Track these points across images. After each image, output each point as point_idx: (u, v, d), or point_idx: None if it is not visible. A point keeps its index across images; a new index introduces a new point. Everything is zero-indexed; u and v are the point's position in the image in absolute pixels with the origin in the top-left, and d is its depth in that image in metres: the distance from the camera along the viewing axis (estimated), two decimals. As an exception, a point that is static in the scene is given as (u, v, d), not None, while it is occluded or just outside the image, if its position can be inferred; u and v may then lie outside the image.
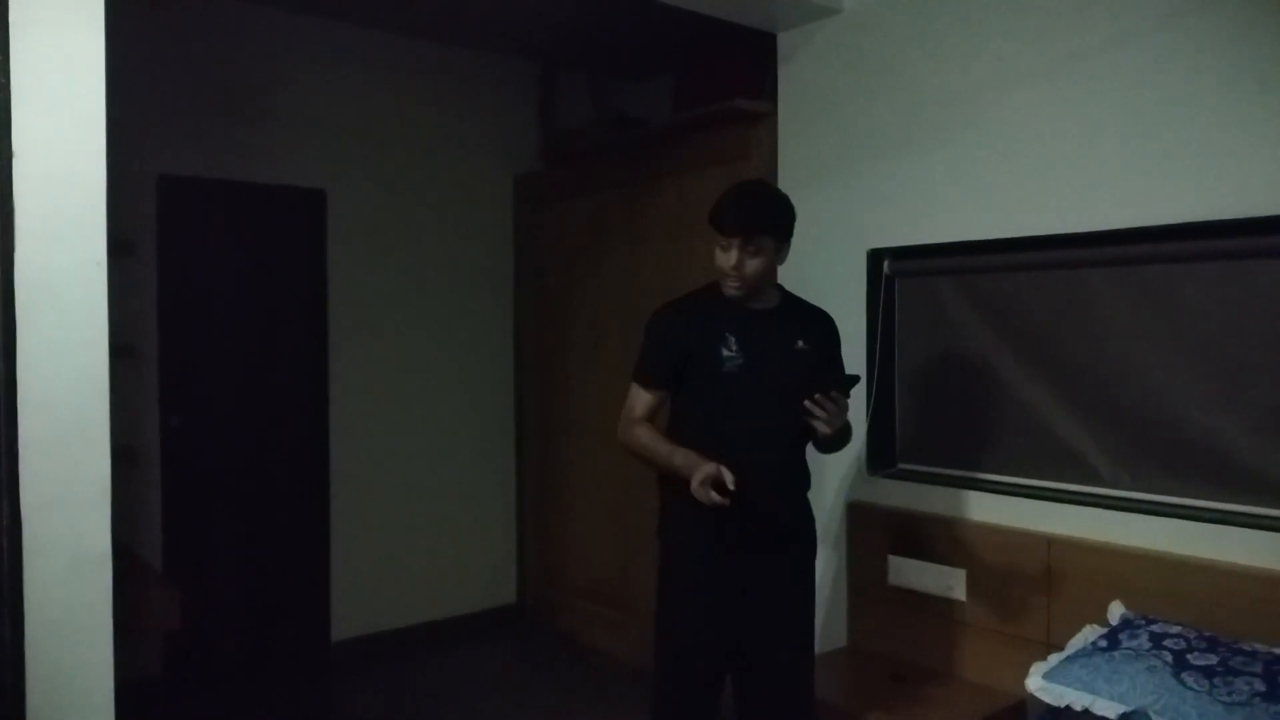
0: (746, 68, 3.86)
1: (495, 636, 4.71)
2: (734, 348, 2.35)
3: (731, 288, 2.35)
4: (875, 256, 3.26)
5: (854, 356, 3.10)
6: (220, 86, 3.99)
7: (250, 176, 4.11)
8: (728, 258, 2.31)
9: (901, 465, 3.28)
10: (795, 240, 2.42)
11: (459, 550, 4.74)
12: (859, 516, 3.29)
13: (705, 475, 2.18)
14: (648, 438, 2.39)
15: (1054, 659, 2.40)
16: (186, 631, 3.52)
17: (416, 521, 4.58)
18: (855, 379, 2.33)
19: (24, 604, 1.85)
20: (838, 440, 2.40)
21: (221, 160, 4.01)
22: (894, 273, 3.26)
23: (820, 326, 2.51)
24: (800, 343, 2.41)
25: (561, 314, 4.71)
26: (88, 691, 1.93)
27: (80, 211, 1.89)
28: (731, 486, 2.16)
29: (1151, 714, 2.09)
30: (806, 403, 2.21)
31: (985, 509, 2.97)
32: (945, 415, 3.19)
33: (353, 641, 4.37)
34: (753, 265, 2.31)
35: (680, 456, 2.29)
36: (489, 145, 4.79)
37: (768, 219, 2.32)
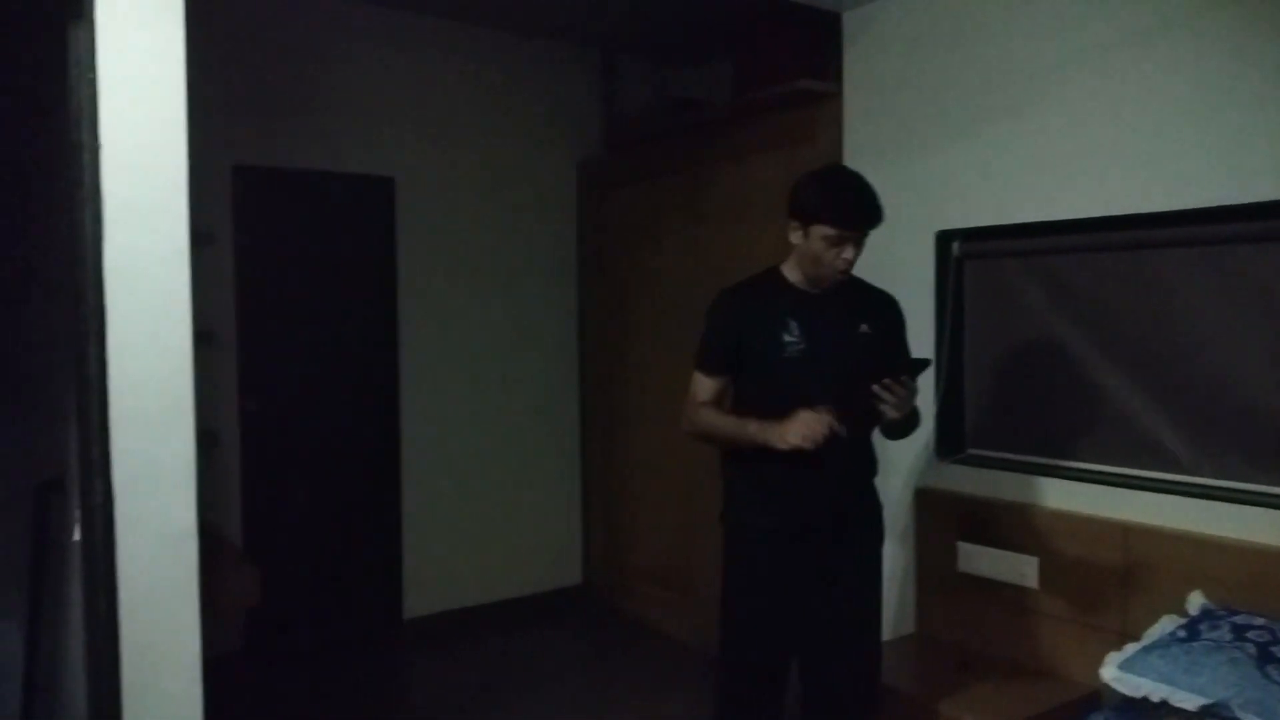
0: (809, 49, 3.81)
1: (560, 617, 4.77)
2: (796, 333, 2.33)
3: (831, 279, 2.32)
4: (944, 238, 3.20)
5: (921, 340, 3.06)
6: (292, 77, 4.08)
7: (322, 165, 4.20)
8: (843, 252, 2.26)
9: (971, 451, 3.23)
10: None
11: (525, 532, 4.81)
12: (928, 503, 3.25)
13: (802, 420, 2.16)
14: (715, 416, 2.40)
15: (1130, 649, 2.34)
16: (266, 608, 3.63)
17: (484, 503, 4.66)
18: (925, 362, 2.30)
19: (117, 577, 1.94)
20: (905, 426, 2.38)
21: (294, 150, 4.11)
22: (963, 254, 3.20)
23: (884, 309, 2.48)
24: (864, 326, 2.38)
25: (625, 298, 4.73)
26: (178, 661, 2.02)
27: (164, 200, 1.96)
28: (834, 426, 2.17)
29: (1234, 707, 2.03)
30: (875, 387, 2.19)
31: (1059, 496, 2.91)
32: (1017, 400, 3.13)
33: (424, 619, 4.47)
34: (857, 257, 2.30)
35: (754, 425, 2.28)
36: (552, 132, 4.82)
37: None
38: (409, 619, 4.46)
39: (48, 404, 2.89)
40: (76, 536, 2.11)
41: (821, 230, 2.26)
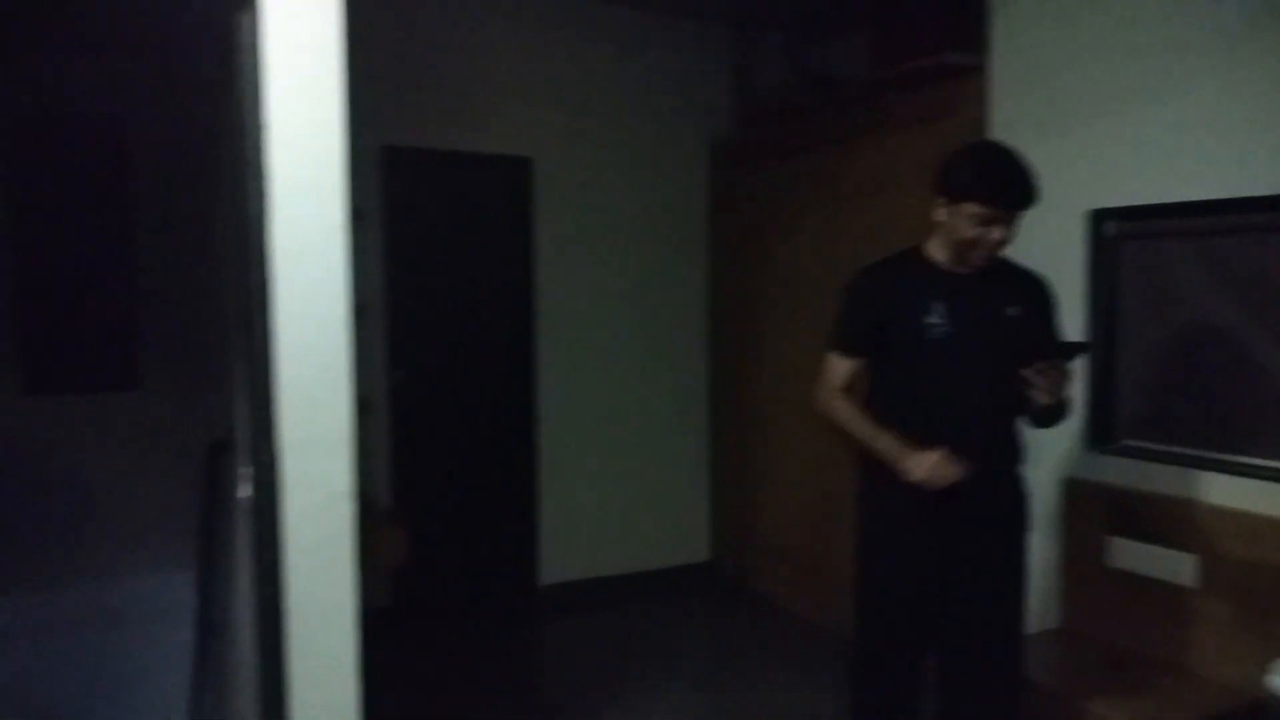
0: (952, 20, 3.66)
1: (688, 592, 4.82)
2: (940, 315, 2.25)
3: (978, 260, 2.24)
4: (1097, 217, 3.04)
5: (1071, 324, 2.91)
6: (436, 60, 4.23)
7: (464, 145, 4.34)
8: (992, 232, 2.18)
9: (1125, 441, 3.06)
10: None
11: (654, 507, 4.87)
12: (1077, 494, 3.11)
13: (934, 462, 2.15)
14: (849, 414, 2.34)
15: (1300, 656, 2.19)
16: (412, 567, 3.82)
17: (614, 477, 4.74)
18: (1081, 346, 2.19)
19: (282, 533, 2.08)
20: (1055, 414, 2.28)
21: (438, 130, 4.26)
22: (1119, 235, 3.03)
23: (1035, 291, 2.37)
24: (1012, 309, 2.29)
25: (757, 276, 4.69)
26: (336, 613, 2.14)
27: (323, 179, 2.06)
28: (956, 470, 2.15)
29: None
30: (1025, 372, 2.11)
31: (1222, 491, 2.73)
32: (1176, 389, 2.95)
33: (557, 586, 4.60)
34: (1008, 239, 2.22)
35: (884, 441, 2.24)
36: (686, 110, 4.82)
37: (1037, 192, 2.19)
38: (543, 585, 4.59)
39: (219, 371, 3.10)
40: (244, 493, 2.27)
41: (971, 208, 2.17)
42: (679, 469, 4.95)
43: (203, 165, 3.44)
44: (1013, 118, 3.30)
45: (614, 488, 4.74)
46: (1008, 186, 2.17)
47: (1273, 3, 2.54)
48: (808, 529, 4.34)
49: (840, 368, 2.37)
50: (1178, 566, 2.77)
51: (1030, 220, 2.31)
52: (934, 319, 2.26)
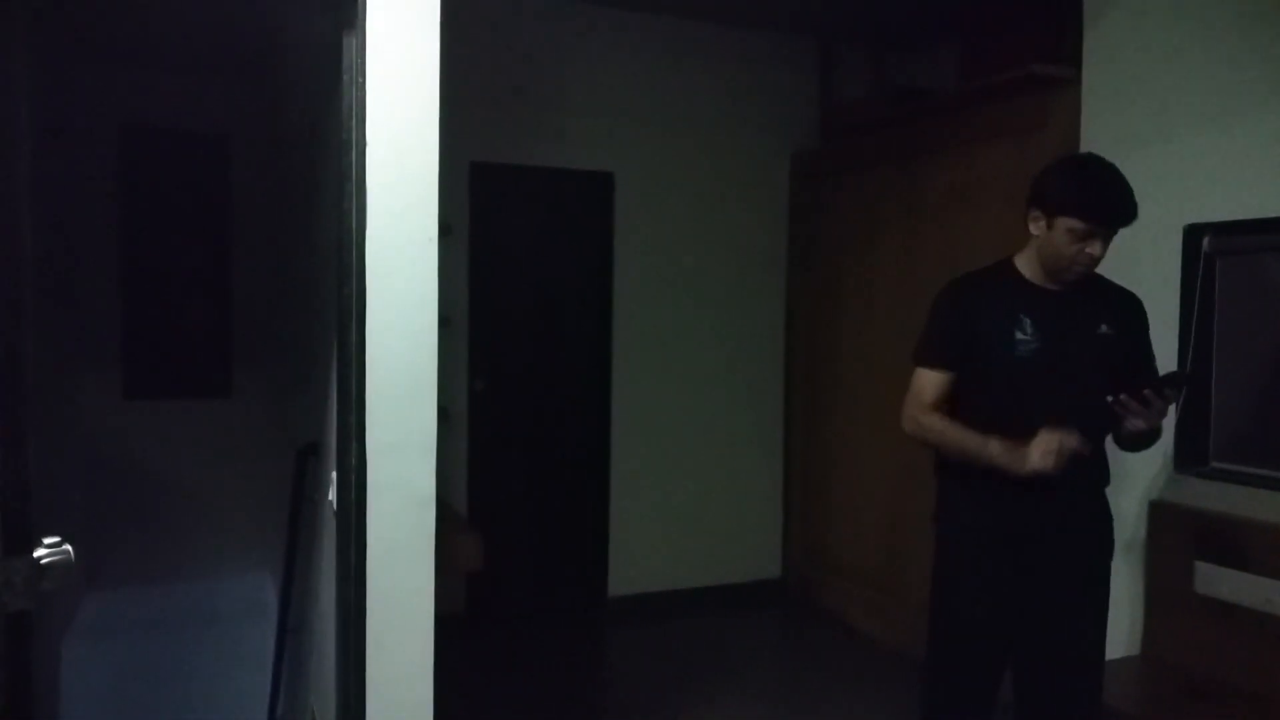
0: (1043, 31, 3.62)
1: (759, 608, 4.80)
2: (1029, 330, 2.22)
3: (1075, 276, 2.20)
4: (1193, 233, 2.96)
5: (1162, 343, 2.83)
6: (520, 76, 4.32)
7: (549, 162, 4.42)
8: (1088, 248, 2.14)
9: (1216, 464, 2.97)
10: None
11: (727, 522, 4.87)
12: (1163, 517, 3.02)
13: (1044, 439, 2.10)
14: (945, 426, 2.27)
15: (1402, 692, 2.10)
16: (487, 575, 3.88)
17: (687, 491, 4.76)
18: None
19: (366, 535, 2.15)
20: (1145, 440, 2.23)
21: (523, 147, 4.36)
22: (1215, 250, 2.95)
23: (1127, 309, 2.32)
24: (1104, 326, 2.24)
25: (835, 291, 4.68)
26: (414, 616, 2.20)
27: (418, 194, 2.13)
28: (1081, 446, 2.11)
29: None
30: (1125, 399, 2.06)
31: (1319, 518, 2.63)
32: (1271, 410, 2.85)
33: (627, 598, 4.63)
34: (1103, 255, 2.18)
35: (997, 445, 2.17)
36: (768, 123, 4.83)
37: (1137, 209, 2.15)
38: (613, 596, 4.63)
39: (309, 379, 3.21)
40: (330, 496, 2.35)
41: (1068, 223, 2.13)
42: (752, 484, 4.94)
43: (296, 182, 3.58)
44: (1105, 129, 3.24)
45: (686, 501, 4.76)
46: (1109, 202, 2.13)
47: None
48: (881, 548, 4.30)
49: (930, 382, 2.32)
50: (1267, 594, 2.68)
51: (1124, 235, 2.27)
52: (1023, 334, 2.22)
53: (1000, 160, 3.60)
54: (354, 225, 2.08)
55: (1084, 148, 3.26)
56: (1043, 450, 2.11)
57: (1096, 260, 2.16)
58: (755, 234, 4.88)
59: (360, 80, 2.07)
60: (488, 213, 4.37)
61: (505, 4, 4.27)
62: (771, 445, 4.98)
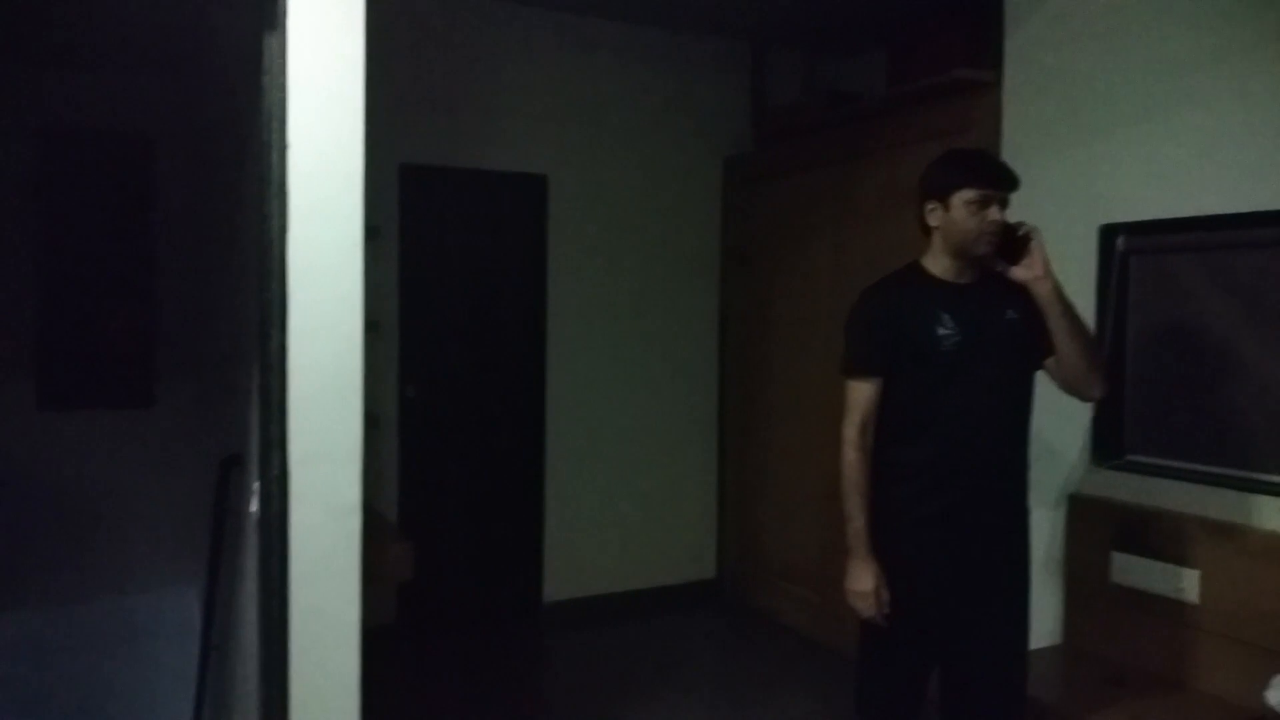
0: (967, 36, 3.71)
1: (694, 609, 4.82)
2: (949, 324, 2.28)
3: (987, 245, 2.27)
4: (1108, 233, 3.06)
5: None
6: (453, 79, 4.28)
7: (480, 164, 4.39)
8: (994, 213, 2.25)
9: (1130, 457, 3.08)
10: (1020, 216, 2.34)
11: (663, 524, 4.88)
12: (1081, 509, 3.12)
13: (867, 595, 2.28)
14: (853, 474, 2.34)
15: (1303, 673, 2.20)
16: (417, 584, 3.83)
17: (622, 494, 4.76)
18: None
19: (289, 546, 2.10)
20: (1073, 325, 2.28)
21: (454, 149, 4.31)
22: (1128, 249, 3.05)
23: (1025, 293, 2.39)
24: (1010, 312, 2.32)
25: (767, 294, 4.72)
26: (340, 628, 2.16)
27: (342, 197, 2.09)
28: (882, 611, 2.29)
29: None
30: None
31: (1225, 506, 2.74)
32: (1182, 404, 2.96)
33: (562, 604, 4.61)
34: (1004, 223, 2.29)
35: (855, 527, 2.32)
36: (701, 127, 4.87)
37: (1017, 174, 2.31)
38: (548, 602, 4.60)
39: (232, 386, 3.13)
40: (254, 508, 2.29)
41: (964, 196, 2.25)
42: (687, 486, 4.96)
43: (222, 183, 3.50)
44: (1024, 133, 3.34)
45: (621, 505, 4.76)
46: (993, 166, 2.31)
47: None
48: (812, 547, 4.35)
49: (863, 395, 2.34)
50: (1180, 582, 2.78)
51: (1045, 235, 2.33)
52: (945, 329, 2.28)
53: (927, 162, 3.67)
54: (275, 228, 2.04)
55: (1004, 150, 3.35)
56: (859, 597, 2.31)
57: (999, 225, 2.25)
58: (689, 237, 4.90)
59: (282, 81, 2.04)
60: (419, 215, 4.32)
61: (436, 5, 4.22)
62: (706, 446, 5.01)
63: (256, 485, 2.22)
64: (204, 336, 4.03)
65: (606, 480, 4.72)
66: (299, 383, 2.08)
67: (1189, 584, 2.76)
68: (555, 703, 3.86)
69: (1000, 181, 2.27)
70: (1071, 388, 2.38)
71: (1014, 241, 2.28)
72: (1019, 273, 2.27)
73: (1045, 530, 3.18)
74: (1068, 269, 3.05)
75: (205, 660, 3.52)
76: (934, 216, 2.32)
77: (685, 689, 3.85)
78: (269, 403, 2.10)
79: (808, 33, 4.73)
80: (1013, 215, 2.31)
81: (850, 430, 2.35)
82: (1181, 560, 2.79)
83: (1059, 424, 3.05)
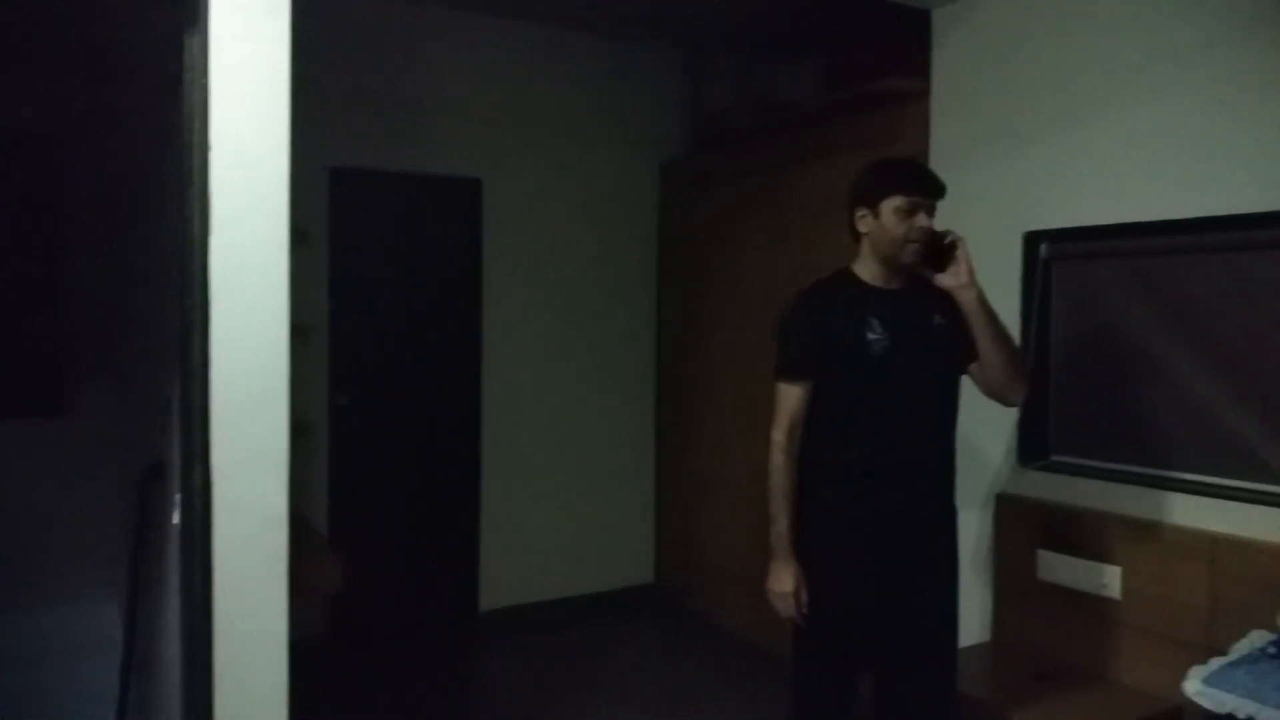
0: (897, 47, 3.77)
1: (632, 614, 4.82)
2: (878, 329, 2.32)
3: (915, 254, 2.31)
4: (1032, 240, 3.14)
5: (1005, 344, 3.00)
6: (385, 82, 4.22)
7: (413, 167, 4.33)
8: (922, 220, 2.29)
9: (1055, 458, 3.16)
10: (947, 222, 2.38)
11: (599, 530, 4.87)
12: (1008, 509, 3.19)
13: (786, 596, 2.35)
14: (778, 478, 2.38)
15: (1215, 663, 2.27)
16: (349, 595, 3.75)
17: (559, 500, 4.73)
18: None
19: (213, 558, 2.04)
20: (997, 335, 2.33)
21: (387, 152, 4.25)
22: (1051, 256, 3.14)
23: (950, 299, 2.44)
24: (937, 318, 2.37)
25: (703, 299, 4.75)
26: (266, 642, 2.10)
27: (266, 200, 2.04)
28: (800, 611, 2.35)
29: (1327, 727, 1.96)
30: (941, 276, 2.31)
31: (1145, 504, 2.83)
32: (1104, 406, 3.05)
33: (499, 612, 4.56)
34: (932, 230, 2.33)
35: (778, 530, 2.37)
36: (638, 133, 4.88)
37: (943, 181, 2.37)
38: (484, 611, 4.56)
39: (153, 393, 3.04)
40: (176, 519, 2.22)
41: (893, 203, 2.29)
42: (625, 491, 4.96)
43: (143, 185, 3.39)
44: (951, 141, 3.41)
45: (558, 511, 4.73)
46: (920, 173, 2.37)
47: (1202, 31, 2.67)
48: (748, 550, 4.36)
49: (793, 398, 2.37)
50: (1103, 578, 2.86)
51: (972, 242, 2.38)
52: (874, 334, 2.32)
53: (858, 170, 3.72)
54: (197, 231, 1.98)
55: (932, 158, 3.42)
56: (778, 598, 2.38)
57: (926, 232, 2.29)
58: (627, 242, 4.91)
59: (204, 81, 1.98)
60: (350, 219, 4.24)
61: (369, 6, 4.16)
62: (643, 451, 5.01)
63: (178, 496, 2.15)
64: (123, 342, 3.90)
65: (544, 486, 4.69)
66: (222, 390, 2.02)
67: (1111, 580, 2.84)
68: (491, 714, 3.81)
69: (928, 189, 2.31)
70: (993, 393, 2.43)
71: (941, 249, 2.33)
72: (945, 280, 2.31)
73: (974, 530, 3.25)
74: (994, 275, 3.12)
75: (127, 678, 3.40)
76: (864, 223, 2.36)
77: (623, 697, 3.84)
78: (190, 411, 2.04)
79: (743, 40, 4.77)
80: (941, 222, 2.36)
81: (778, 433, 2.37)
82: (1104, 557, 2.87)
83: (986, 426, 3.13)
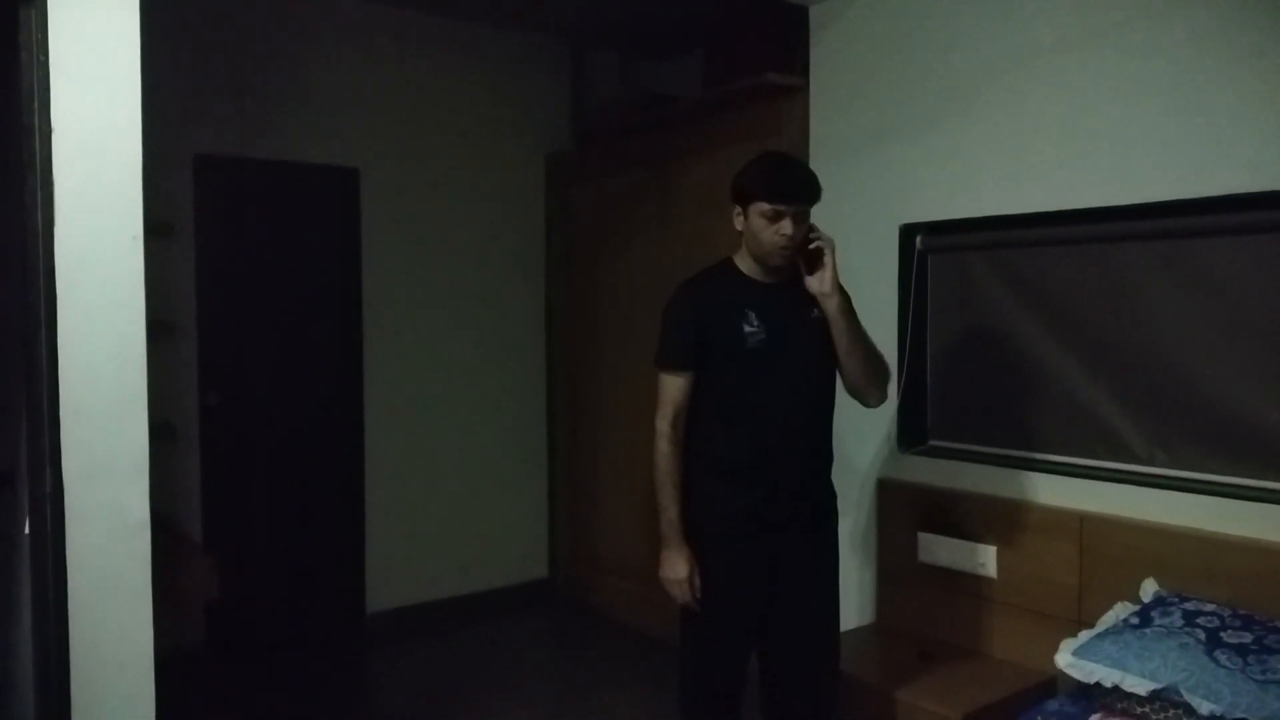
0: (777, 42, 3.82)
1: (527, 611, 4.76)
2: (755, 322, 2.34)
3: (782, 258, 2.33)
4: (908, 232, 3.23)
5: (884, 333, 3.08)
6: (256, 66, 4.03)
7: (286, 155, 4.15)
8: (785, 228, 2.28)
9: (933, 442, 3.26)
10: (826, 216, 2.41)
11: (491, 526, 4.79)
12: (889, 494, 3.28)
13: (681, 582, 2.36)
14: (665, 467, 2.38)
15: (1084, 635, 2.38)
16: (226, 602, 3.59)
17: (450, 497, 4.64)
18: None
19: (67, 569, 1.91)
20: (864, 350, 2.39)
21: (258, 139, 4.06)
22: (926, 248, 3.23)
23: None
24: (815, 312, 2.40)
25: (592, 292, 4.72)
26: (129, 654, 2.00)
27: (117, 187, 1.93)
28: (695, 596, 2.36)
29: (1183, 690, 2.07)
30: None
31: (1017, 486, 2.95)
32: (978, 392, 3.17)
33: (387, 613, 4.44)
34: (801, 235, 2.32)
35: (668, 518, 2.38)
36: (520, 124, 4.80)
37: (817, 187, 2.34)
38: (372, 613, 4.43)
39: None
40: (28, 530, 2.08)
41: (759, 208, 2.30)
42: (516, 486, 4.89)
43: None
44: (830, 135, 3.47)
45: (448, 508, 4.63)
46: (786, 183, 2.32)
47: (1063, 30, 2.78)
48: (640, 542, 4.38)
49: (674, 387, 2.39)
50: (980, 558, 2.97)
51: (851, 234, 2.43)
52: (750, 326, 2.34)
53: (739, 164, 3.76)
54: (39, 221, 1.84)
55: (811, 152, 3.48)
56: (673, 584, 2.39)
57: (790, 239, 2.31)
58: (513, 235, 4.83)
59: (42, 59, 1.85)
60: (218, 210, 4.04)
61: (232, -14, 3.97)
62: (535, 446, 4.96)
63: (28, 504, 2.01)
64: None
65: (432, 483, 4.58)
66: (73, 391, 1.90)
67: (987, 560, 2.95)
68: (382, 719, 3.70)
69: (793, 196, 2.30)
70: (853, 395, 2.50)
71: (809, 252, 2.36)
72: (811, 284, 2.36)
73: (856, 514, 3.33)
74: (872, 267, 3.21)
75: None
76: (738, 221, 2.39)
77: (517, 694, 3.79)
78: (38, 413, 1.91)
79: (626, 33, 4.76)
80: (820, 215, 2.39)
81: (662, 423, 2.38)
82: (980, 538, 2.98)
83: (867, 413, 3.15)
